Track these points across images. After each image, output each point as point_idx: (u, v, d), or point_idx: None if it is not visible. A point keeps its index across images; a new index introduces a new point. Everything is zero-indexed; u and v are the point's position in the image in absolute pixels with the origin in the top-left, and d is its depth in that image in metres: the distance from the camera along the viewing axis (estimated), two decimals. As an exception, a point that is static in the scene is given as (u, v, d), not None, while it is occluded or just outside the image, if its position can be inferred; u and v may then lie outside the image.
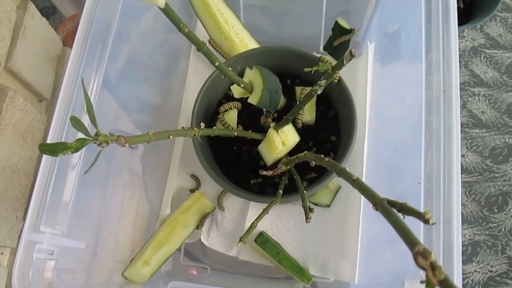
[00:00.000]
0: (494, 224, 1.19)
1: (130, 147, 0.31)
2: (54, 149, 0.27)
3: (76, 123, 0.29)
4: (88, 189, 0.53)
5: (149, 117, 0.73)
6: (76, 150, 0.28)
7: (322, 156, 0.41)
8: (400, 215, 0.27)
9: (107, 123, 0.60)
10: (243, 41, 0.69)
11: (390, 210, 0.26)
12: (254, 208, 0.67)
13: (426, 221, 0.24)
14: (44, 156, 0.46)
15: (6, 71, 0.66)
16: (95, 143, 0.29)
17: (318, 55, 0.61)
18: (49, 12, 1.37)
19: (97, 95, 0.54)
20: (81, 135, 0.45)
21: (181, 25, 0.34)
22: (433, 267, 0.19)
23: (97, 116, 0.46)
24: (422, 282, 0.20)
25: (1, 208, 0.65)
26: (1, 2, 0.62)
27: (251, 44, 0.70)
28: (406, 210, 0.26)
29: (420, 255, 0.20)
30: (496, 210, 1.21)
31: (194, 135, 0.42)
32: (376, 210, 0.28)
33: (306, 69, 0.41)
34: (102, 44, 0.55)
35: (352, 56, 0.38)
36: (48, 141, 0.47)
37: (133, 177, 0.68)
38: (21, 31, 0.67)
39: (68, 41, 1.09)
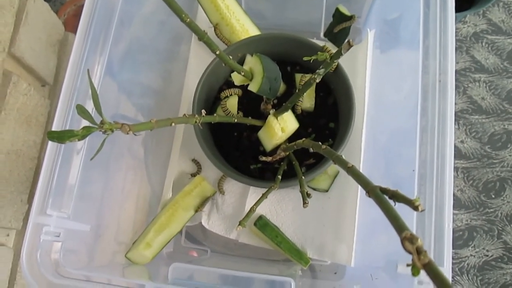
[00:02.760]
0: (491, 210, 1.21)
1: (133, 134, 0.32)
2: (62, 137, 0.28)
3: (81, 111, 0.30)
4: (91, 172, 0.54)
5: (151, 101, 0.73)
6: (83, 137, 0.29)
7: (320, 143, 0.42)
8: (392, 202, 0.28)
9: (109, 107, 0.61)
10: (244, 27, 0.70)
11: (382, 197, 0.27)
12: (254, 192, 0.68)
13: (415, 208, 0.26)
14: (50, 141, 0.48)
15: (10, 56, 0.67)
16: (100, 130, 0.30)
17: (322, 44, 0.62)
18: (49, -5, 1.37)
19: (101, 80, 0.54)
20: (83, 123, 0.46)
21: (183, 15, 0.35)
22: (419, 251, 0.21)
23: (99, 101, 0.47)
24: (408, 265, 0.21)
25: (6, 191, 0.66)
26: (4, -12, 0.62)
27: (252, 30, 0.70)
28: (397, 197, 0.27)
29: (407, 240, 0.22)
30: (493, 196, 1.22)
31: (196, 122, 0.43)
32: (369, 196, 0.29)
33: (305, 58, 0.42)
34: (105, 29, 0.55)
35: (350, 46, 0.38)
36: (53, 127, 0.48)
37: (135, 160, 0.70)
38: (23, 16, 0.68)
39: (69, 24, 1.10)
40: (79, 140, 0.29)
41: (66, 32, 0.84)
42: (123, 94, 0.65)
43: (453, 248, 0.44)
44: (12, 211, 0.68)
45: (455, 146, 1.26)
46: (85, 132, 0.29)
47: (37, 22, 0.72)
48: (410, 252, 0.21)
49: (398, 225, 0.23)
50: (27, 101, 0.70)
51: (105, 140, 0.33)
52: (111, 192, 0.62)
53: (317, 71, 0.43)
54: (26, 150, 0.71)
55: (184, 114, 0.42)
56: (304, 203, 0.49)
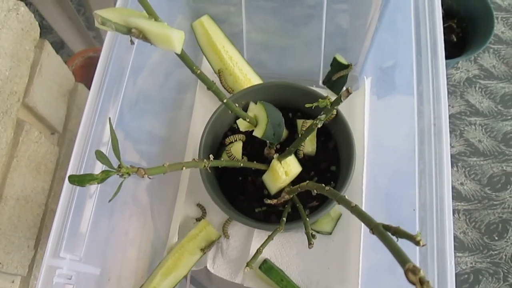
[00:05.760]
0: (495, 252, 1.20)
1: (148, 177, 0.34)
2: (82, 180, 0.30)
3: (100, 156, 0.33)
4: (101, 216, 0.55)
5: (156, 148, 0.75)
6: (102, 181, 0.31)
7: (323, 185, 0.44)
8: (394, 238, 0.30)
9: (112, 155, 0.63)
10: (247, 76, 0.73)
11: (385, 233, 0.29)
12: (258, 236, 0.69)
13: (417, 243, 0.27)
14: (65, 185, 0.49)
15: (23, 106, 0.70)
16: (117, 174, 0.32)
17: (320, 91, 0.65)
18: (57, 47, 1.43)
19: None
20: (97, 168, 0.48)
21: (194, 67, 0.38)
22: (422, 281, 0.22)
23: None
24: (412, 296, 0.23)
25: (14, 237, 0.67)
26: (21, 42, 0.66)
27: (254, 79, 0.74)
28: (399, 233, 0.29)
29: (411, 271, 0.23)
30: (496, 238, 1.22)
31: (204, 166, 0.45)
32: (373, 233, 0.31)
33: (307, 105, 0.44)
34: (119, 81, 0.58)
35: (349, 93, 0.41)
36: (69, 173, 0.50)
37: (140, 206, 0.71)
38: (37, 68, 0.72)
39: (77, 75, 1.14)
40: (98, 183, 0.31)
41: (76, 83, 0.87)
42: (129, 142, 0.67)
43: (459, 292, 0.45)
44: (19, 257, 0.68)
45: (455, 188, 1.27)
46: (104, 176, 0.31)
47: (50, 74, 0.76)
48: (413, 283, 0.23)
49: (401, 258, 0.25)
50: (38, 149, 0.72)
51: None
52: (117, 235, 0.63)
53: (319, 117, 0.46)
54: (35, 196, 0.72)
55: (194, 159, 0.44)
56: (310, 243, 0.50)
